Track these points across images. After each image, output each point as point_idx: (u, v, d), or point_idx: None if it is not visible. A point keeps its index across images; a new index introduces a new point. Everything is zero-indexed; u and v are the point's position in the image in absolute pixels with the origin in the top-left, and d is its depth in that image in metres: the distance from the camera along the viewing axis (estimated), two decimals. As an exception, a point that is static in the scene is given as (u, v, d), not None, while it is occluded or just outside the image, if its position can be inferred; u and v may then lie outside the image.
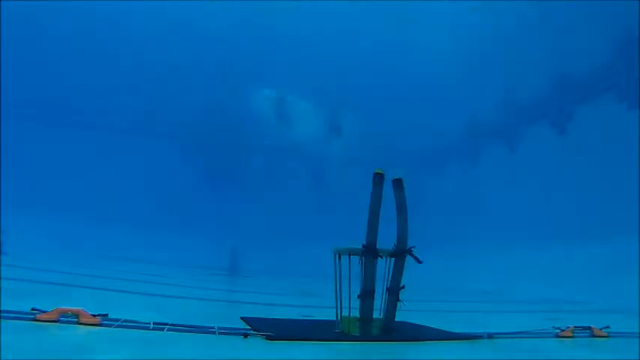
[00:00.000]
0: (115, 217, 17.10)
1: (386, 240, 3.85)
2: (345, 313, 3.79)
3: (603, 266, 9.28)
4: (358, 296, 3.68)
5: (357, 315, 3.69)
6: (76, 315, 3.31)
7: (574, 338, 4.02)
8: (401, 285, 3.77)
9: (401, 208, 3.90)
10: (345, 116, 18.09)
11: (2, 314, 3.27)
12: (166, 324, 3.58)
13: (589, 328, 4.18)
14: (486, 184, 15.36)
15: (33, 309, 3.44)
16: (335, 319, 3.84)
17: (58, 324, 3.24)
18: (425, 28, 15.82)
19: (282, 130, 17.80)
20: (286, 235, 17.19)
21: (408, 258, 3.80)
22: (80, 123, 19.02)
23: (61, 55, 17.16)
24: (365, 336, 3.58)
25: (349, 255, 3.78)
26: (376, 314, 3.73)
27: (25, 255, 11.08)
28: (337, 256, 3.84)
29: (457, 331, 4.13)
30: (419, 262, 3.77)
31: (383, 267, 3.79)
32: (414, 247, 3.80)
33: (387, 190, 3.87)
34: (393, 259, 3.80)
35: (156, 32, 16.52)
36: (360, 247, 3.72)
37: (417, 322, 4.46)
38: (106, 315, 3.52)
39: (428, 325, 4.41)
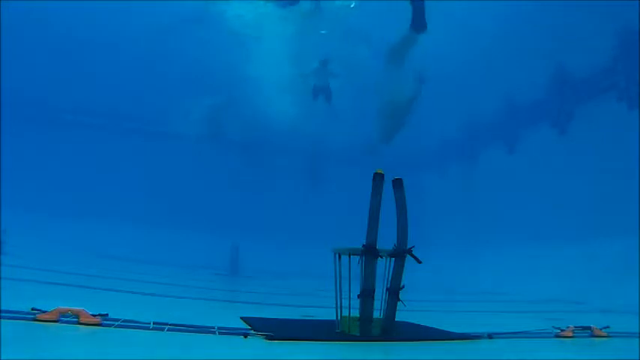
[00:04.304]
0: (115, 217, 17.10)
1: (386, 240, 3.85)
2: (345, 313, 3.79)
3: (603, 266, 9.28)
4: (358, 296, 3.69)
5: (357, 315, 3.69)
6: (76, 315, 3.31)
7: (574, 338, 4.02)
8: (401, 285, 3.77)
9: (401, 208, 3.90)
10: (344, 116, 18.06)
11: (2, 314, 3.27)
12: (166, 324, 3.58)
13: (589, 328, 4.18)
14: (486, 184, 15.35)
15: (33, 309, 3.44)
16: (335, 319, 3.84)
17: (58, 324, 3.24)
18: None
19: (289, 133, 17.74)
20: (286, 235, 17.19)
21: (408, 258, 3.80)
22: (80, 123, 19.03)
23: (60, 55, 17.14)
24: (365, 336, 3.58)
25: (349, 255, 3.79)
26: (376, 314, 3.73)
27: (25, 255, 11.08)
28: (337, 256, 3.84)
29: (457, 331, 4.13)
30: (419, 262, 3.77)
31: (383, 267, 3.80)
32: (413, 246, 3.81)
33: (387, 190, 3.87)
34: (393, 259, 3.81)
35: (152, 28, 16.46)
36: (360, 247, 3.73)
37: (417, 322, 4.46)
38: (106, 315, 3.52)
39: (428, 325, 4.41)
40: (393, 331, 3.72)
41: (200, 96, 17.94)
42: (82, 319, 3.28)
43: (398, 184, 3.93)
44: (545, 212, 12.26)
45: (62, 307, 3.38)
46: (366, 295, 3.65)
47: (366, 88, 15.84)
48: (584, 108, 12.31)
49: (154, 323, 3.57)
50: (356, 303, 3.69)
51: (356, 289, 3.72)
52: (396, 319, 3.76)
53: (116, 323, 3.42)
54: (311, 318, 4.74)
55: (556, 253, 10.98)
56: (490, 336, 3.88)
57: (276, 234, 17.44)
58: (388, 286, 3.78)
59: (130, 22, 16.05)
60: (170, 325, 3.57)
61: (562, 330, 4.13)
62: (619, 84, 11.23)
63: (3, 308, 3.41)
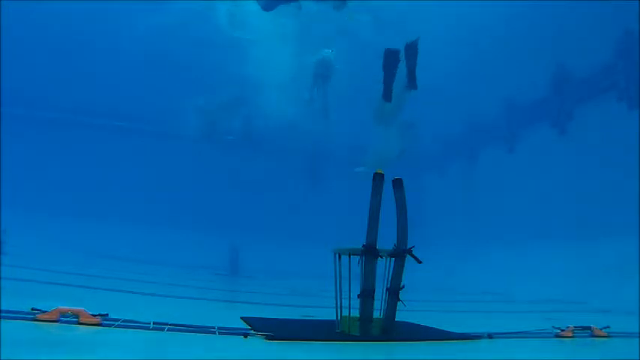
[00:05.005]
0: (115, 217, 17.09)
1: (386, 240, 3.85)
2: (345, 313, 3.79)
3: (603, 266, 9.27)
4: (358, 296, 3.69)
5: (357, 315, 3.69)
6: (76, 315, 3.32)
7: (574, 338, 4.02)
8: (401, 285, 3.77)
9: (401, 208, 3.90)
10: (344, 116, 18.04)
11: (2, 314, 3.27)
12: (166, 324, 3.58)
13: (589, 328, 4.18)
14: (486, 184, 15.35)
15: (33, 309, 3.44)
16: (335, 319, 3.84)
17: (58, 324, 3.24)
18: (424, 27, 15.76)
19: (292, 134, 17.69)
20: (286, 235, 17.18)
21: (408, 258, 3.80)
22: (80, 123, 19.03)
23: (60, 55, 17.13)
24: (365, 336, 3.58)
25: (349, 255, 3.79)
26: (376, 314, 3.73)
27: (25, 255, 11.08)
28: (337, 256, 3.84)
29: (457, 331, 4.13)
30: (419, 262, 3.77)
31: (383, 267, 3.80)
32: (413, 246, 3.80)
33: (387, 190, 3.87)
34: (393, 259, 3.80)
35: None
36: (360, 247, 3.72)
37: (417, 322, 4.46)
38: (106, 315, 3.52)
39: (428, 325, 4.41)
40: (393, 331, 3.72)
41: (199, 96, 17.92)
42: (82, 319, 3.28)
43: (398, 184, 3.93)
44: (545, 212, 12.25)
45: (62, 307, 3.38)
46: (366, 295, 3.65)
47: (367, 88, 15.81)
48: (584, 108, 12.30)
49: (154, 323, 3.57)
50: (356, 303, 3.69)
51: (356, 289, 3.72)
52: (396, 319, 3.76)
53: (116, 323, 3.42)
54: (311, 318, 4.74)
55: (556, 253, 10.98)
56: (490, 336, 3.88)
57: (276, 234, 17.42)
58: (388, 286, 3.78)
59: (130, 22, 16.04)
60: (170, 325, 3.57)
61: (562, 330, 4.13)
62: (619, 84, 11.22)
63: (3, 308, 3.41)
